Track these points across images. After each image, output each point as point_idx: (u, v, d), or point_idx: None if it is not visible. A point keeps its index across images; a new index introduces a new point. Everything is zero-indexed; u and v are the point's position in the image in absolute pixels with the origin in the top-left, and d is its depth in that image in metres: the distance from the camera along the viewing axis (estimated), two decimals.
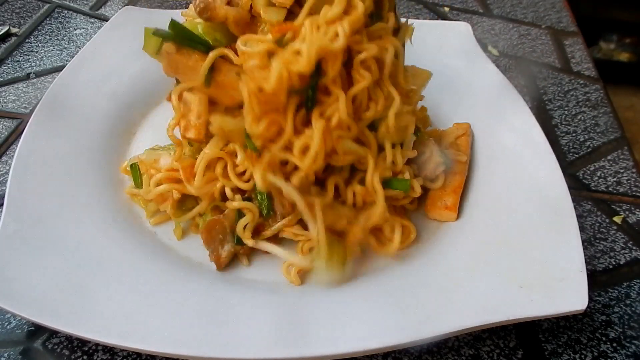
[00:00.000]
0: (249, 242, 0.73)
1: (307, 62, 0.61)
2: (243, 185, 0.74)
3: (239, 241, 0.74)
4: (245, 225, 0.74)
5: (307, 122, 0.66)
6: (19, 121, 1.00)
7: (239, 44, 0.68)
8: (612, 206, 0.91)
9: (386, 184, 0.74)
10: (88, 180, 0.80)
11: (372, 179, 0.72)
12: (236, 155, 0.73)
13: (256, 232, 0.75)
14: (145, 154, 0.82)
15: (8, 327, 0.70)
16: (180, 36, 0.72)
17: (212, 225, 0.74)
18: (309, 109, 0.65)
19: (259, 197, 0.74)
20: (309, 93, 0.64)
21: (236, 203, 0.75)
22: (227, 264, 0.73)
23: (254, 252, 0.75)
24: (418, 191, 0.77)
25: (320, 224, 0.68)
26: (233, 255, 0.74)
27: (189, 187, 0.75)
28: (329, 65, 0.64)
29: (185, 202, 0.78)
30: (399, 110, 0.71)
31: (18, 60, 1.14)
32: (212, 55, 0.69)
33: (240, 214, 0.75)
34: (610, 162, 0.99)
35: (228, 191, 0.75)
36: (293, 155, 0.66)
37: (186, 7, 1.30)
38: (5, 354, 0.67)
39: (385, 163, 0.73)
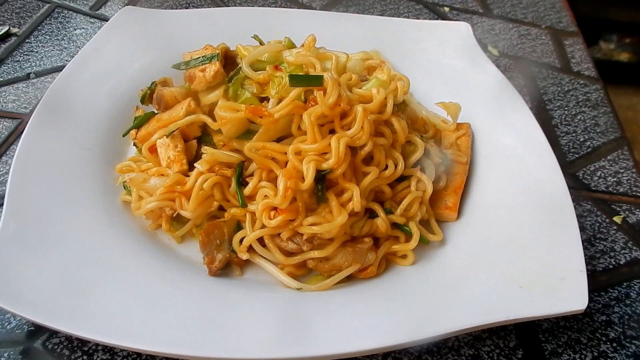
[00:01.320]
0: (244, 256, 0.73)
1: (336, 161, 0.70)
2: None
3: (235, 250, 0.74)
4: (242, 239, 0.74)
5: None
6: (19, 121, 1.00)
7: (217, 110, 0.76)
8: (612, 206, 0.91)
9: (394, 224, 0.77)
10: (88, 179, 0.80)
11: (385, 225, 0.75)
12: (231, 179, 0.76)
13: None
14: (134, 171, 0.82)
15: (8, 327, 0.70)
16: None
17: (211, 229, 0.74)
18: (319, 198, 0.72)
19: None
20: (318, 187, 0.72)
21: (233, 210, 0.75)
22: (219, 270, 0.73)
23: (251, 255, 0.75)
24: (414, 242, 0.76)
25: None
26: (226, 262, 0.73)
27: (183, 212, 0.76)
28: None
29: (180, 216, 0.77)
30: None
31: (18, 60, 1.14)
32: (189, 119, 0.80)
33: (238, 225, 0.76)
34: (610, 162, 0.99)
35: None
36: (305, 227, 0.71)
37: (186, 7, 1.30)
38: (5, 354, 0.67)
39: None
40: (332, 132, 0.73)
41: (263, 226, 0.72)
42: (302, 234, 0.71)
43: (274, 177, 0.73)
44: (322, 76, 0.73)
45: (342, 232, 0.72)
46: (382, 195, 0.78)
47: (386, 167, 0.76)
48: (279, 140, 0.75)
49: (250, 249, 0.73)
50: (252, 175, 0.75)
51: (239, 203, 0.75)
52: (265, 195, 0.72)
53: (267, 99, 0.78)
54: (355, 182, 0.73)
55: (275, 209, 0.71)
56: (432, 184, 0.81)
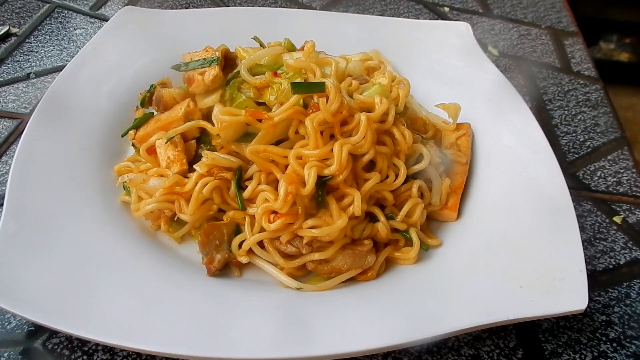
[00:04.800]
0: (243, 260, 0.73)
1: (337, 167, 0.70)
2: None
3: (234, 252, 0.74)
4: (241, 243, 0.74)
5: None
6: (19, 121, 1.00)
7: (217, 113, 0.76)
8: (612, 206, 0.91)
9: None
10: (88, 179, 0.80)
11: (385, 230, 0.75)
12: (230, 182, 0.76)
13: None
14: (133, 171, 0.82)
15: (8, 327, 0.70)
16: None
17: (210, 230, 0.74)
18: (319, 203, 0.71)
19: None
20: (318, 192, 0.71)
21: (232, 213, 0.75)
22: (218, 271, 0.72)
23: (250, 256, 0.75)
24: (415, 251, 0.76)
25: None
26: (225, 263, 0.73)
27: (182, 215, 0.76)
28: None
29: (179, 218, 0.77)
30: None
31: (18, 60, 1.14)
32: (188, 125, 0.80)
33: (237, 229, 0.76)
34: (610, 162, 0.99)
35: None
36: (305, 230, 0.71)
37: (186, 7, 1.30)
38: (5, 354, 0.67)
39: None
40: (332, 136, 0.73)
41: (262, 229, 0.72)
42: (301, 237, 0.71)
43: (273, 179, 0.73)
44: (325, 82, 0.73)
45: (342, 235, 0.72)
46: (383, 200, 0.77)
47: (387, 176, 0.76)
48: (276, 144, 0.75)
49: (249, 250, 0.73)
50: (250, 178, 0.75)
51: (238, 206, 0.75)
52: (266, 199, 0.72)
53: (264, 104, 0.78)
54: (356, 187, 0.73)
55: (274, 212, 0.71)
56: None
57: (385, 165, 0.76)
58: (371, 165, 0.76)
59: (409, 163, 0.79)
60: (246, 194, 0.74)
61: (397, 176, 0.77)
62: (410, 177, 0.79)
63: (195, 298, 0.67)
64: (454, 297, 0.66)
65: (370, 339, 0.61)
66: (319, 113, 0.71)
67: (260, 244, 0.74)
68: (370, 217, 0.76)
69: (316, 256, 0.71)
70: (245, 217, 0.75)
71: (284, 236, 0.71)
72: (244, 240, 0.73)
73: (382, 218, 0.75)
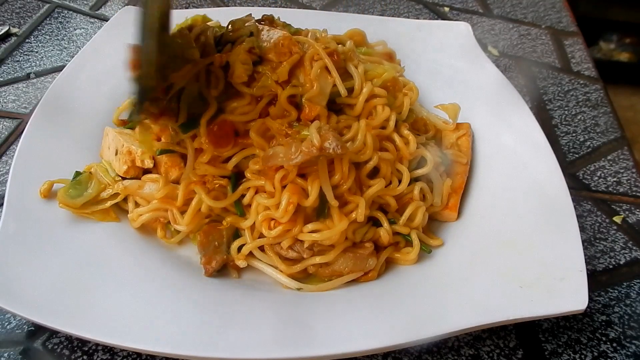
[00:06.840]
0: (241, 264, 0.73)
1: (340, 177, 0.70)
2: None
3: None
4: (240, 247, 0.73)
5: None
6: (19, 121, 1.00)
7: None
8: (612, 206, 0.91)
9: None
10: None
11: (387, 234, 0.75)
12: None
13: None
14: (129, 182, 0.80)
15: (8, 327, 0.70)
16: None
17: (210, 230, 0.74)
18: (320, 213, 0.71)
19: None
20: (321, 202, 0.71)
21: (231, 218, 0.75)
22: (215, 272, 0.72)
23: (250, 259, 0.74)
24: (415, 253, 0.75)
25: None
26: (223, 264, 0.73)
27: (178, 227, 0.75)
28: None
29: None
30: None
31: (18, 60, 1.14)
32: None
33: (236, 233, 0.75)
34: (610, 162, 0.99)
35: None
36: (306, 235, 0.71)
37: (186, 7, 1.30)
38: (5, 354, 0.67)
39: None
40: None
41: (262, 234, 0.72)
42: (302, 241, 0.71)
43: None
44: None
45: (342, 238, 0.71)
46: (386, 206, 0.77)
47: (390, 182, 0.76)
48: None
49: (249, 253, 0.73)
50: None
51: (236, 212, 0.75)
52: (267, 207, 0.71)
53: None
54: (360, 195, 0.73)
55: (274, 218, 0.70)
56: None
57: (389, 172, 0.76)
58: (374, 171, 0.75)
59: (411, 167, 0.79)
60: (246, 200, 0.74)
61: (400, 182, 0.76)
62: (412, 180, 0.78)
63: (196, 298, 0.67)
64: (454, 297, 0.66)
65: (370, 339, 0.61)
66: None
67: (261, 246, 0.73)
68: (373, 221, 0.76)
69: (317, 259, 0.71)
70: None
71: (285, 242, 0.71)
72: (244, 244, 0.73)
73: (385, 224, 0.74)
